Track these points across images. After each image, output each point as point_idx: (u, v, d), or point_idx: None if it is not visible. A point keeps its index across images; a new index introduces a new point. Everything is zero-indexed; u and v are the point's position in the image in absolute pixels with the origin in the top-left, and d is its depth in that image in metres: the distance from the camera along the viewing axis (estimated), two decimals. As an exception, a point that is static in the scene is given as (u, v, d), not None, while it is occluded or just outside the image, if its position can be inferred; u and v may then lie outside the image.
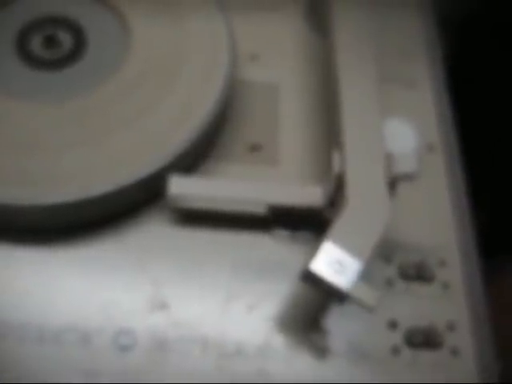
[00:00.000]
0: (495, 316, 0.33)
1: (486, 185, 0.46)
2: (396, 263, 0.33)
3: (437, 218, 0.35)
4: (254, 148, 0.35)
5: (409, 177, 0.30)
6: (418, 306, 0.32)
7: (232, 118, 0.36)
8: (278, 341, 0.31)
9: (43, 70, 0.35)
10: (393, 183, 0.31)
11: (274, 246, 0.33)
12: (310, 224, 0.33)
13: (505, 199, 0.53)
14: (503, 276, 0.51)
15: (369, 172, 0.30)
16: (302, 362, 0.31)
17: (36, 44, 0.36)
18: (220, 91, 0.34)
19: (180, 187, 0.32)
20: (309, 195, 0.32)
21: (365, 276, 0.28)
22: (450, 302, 0.33)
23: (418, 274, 0.33)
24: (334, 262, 0.28)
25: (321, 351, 0.31)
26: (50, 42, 0.36)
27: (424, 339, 0.32)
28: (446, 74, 0.39)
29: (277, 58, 0.39)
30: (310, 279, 0.28)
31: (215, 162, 0.35)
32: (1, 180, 0.31)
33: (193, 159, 0.34)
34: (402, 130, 0.32)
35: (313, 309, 0.32)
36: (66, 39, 0.36)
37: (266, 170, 0.35)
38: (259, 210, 0.32)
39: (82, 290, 0.31)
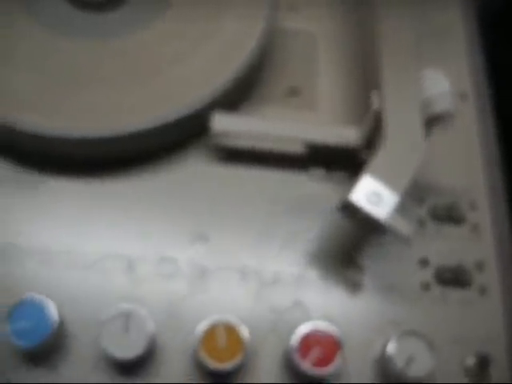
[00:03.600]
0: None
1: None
2: (428, 205, 0.35)
3: (468, 163, 0.36)
4: (293, 92, 0.37)
5: (444, 117, 0.31)
6: (448, 246, 0.34)
7: (272, 63, 0.37)
8: (313, 274, 0.32)
9: (89, 10, 0.37)
10: (429, 123, 0.32)
11: (310, 185, 0.34)
12: (345, 164, 0.34)
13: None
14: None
15: (406, 111, 0.31)
16: (336, 295, 0.32)
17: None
18: (260, 35, 0.35)
19: (223, 124, 0.33)
20: (345, 135, 0.33)
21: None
22: (479, 243, 0.34)
23: (449, 215, 0.34)
24: (372, 194, 0.29)
25: (354, 285, 0.32)
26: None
27: (453, 277, 0.33)
28: (478, 23, 0.40)
29: (315, 7, 0.40)
30: (349, 210, 0.29)
31: (255, 105, 0.36)
32: (48, 113, 0.33)
33: (235, 99, 0.35)
34: (436, 79, 0.33)
35: (346, 244, 0.33)
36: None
37: (304, 114, 0.36)
38: (298, 148, 0.33)
39: (126, 221, 0.33)
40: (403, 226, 0.29)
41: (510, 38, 0.51)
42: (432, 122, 0.32)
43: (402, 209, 0.30)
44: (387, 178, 0.29)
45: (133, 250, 0.32)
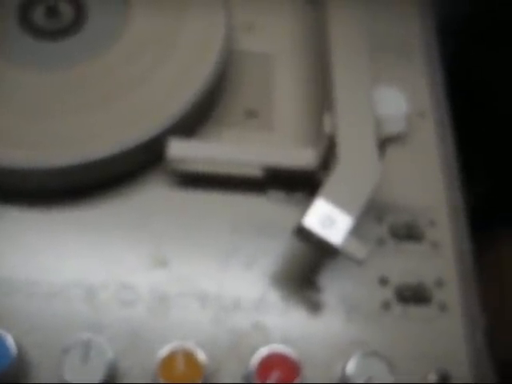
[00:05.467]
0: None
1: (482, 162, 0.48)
2: (387, 223, 0.35)
3: (427, 181, 0.36)
4: (251, 114, 0.37)
5: (397, 137, 0.32)
6: (408, 264, 0.34)
7: (229, 86, 0.38)
8: (274, 296, 0.33)
9: (45, 39, 0.37)
10: (383, 144, 0.32)
11: (269, 207, 0.34)
12: (303, 185, 0.34)
13: (499, 175, 0.55)
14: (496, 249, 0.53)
15: (359, 132, 0.31)
16: (297, 316, 0.32)
17: (38, 15, 0.37)
18: (217, 59, 0.35)
19: (179, 150, 0.33)
20: (302, 157, 0.33)
21: (358, 236, 0.30)
22: (439, 260, 0.34)
23: (409, 233, 0.35)
24: (325, 218, 0.29)
25: (315, 306, 0.33)
26: (52, 12, 0.37)
27: (413, 295, 0.33)
28: (438, 42, 0.41)
29: (270, 28, 0.40)
30: (303, 234, 0.29)
31: (213, 128, 0.36)
32: (8, 144, 0.33)
33: (191, 124, 0.35)
34: (391, 96, 0.33)
35: (307, 265, 0.33)
36: (66, 10, 0.38)
37: (261, 136, 0.37)
38: (255, 171, 0.34)
39: (87, 248, 0.33)
40: (357, 249, 0.29)
41: (474, 45, 0.52)
42: (387, 141, 0.32)
43: (360, 228, 0.30)
44: (341, 201, 0.30)
45: (94, 278, 0.32)
